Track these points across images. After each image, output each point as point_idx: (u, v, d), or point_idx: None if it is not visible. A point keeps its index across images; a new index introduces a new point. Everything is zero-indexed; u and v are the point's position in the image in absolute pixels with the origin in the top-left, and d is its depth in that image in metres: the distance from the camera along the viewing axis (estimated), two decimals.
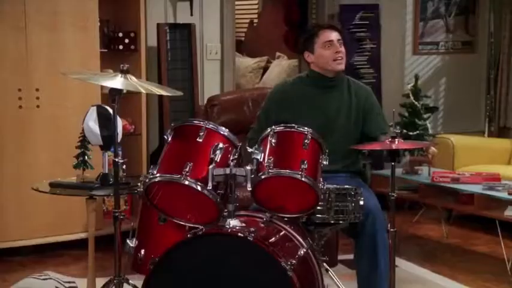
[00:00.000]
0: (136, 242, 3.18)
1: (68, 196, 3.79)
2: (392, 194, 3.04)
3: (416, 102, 5.85)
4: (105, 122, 3.55)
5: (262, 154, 2.89)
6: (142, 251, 3.18)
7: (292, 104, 3.62)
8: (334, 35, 3.59)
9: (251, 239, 2.68)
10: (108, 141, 3.56)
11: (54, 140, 4.71)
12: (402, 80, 6.29)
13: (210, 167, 2.75)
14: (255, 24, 8.71)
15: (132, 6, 5.04)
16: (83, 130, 3.64)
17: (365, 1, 6.26)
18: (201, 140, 2.82)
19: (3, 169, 4.61)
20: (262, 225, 2.99)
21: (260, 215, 3.05)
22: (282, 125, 3.02)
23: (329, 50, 3.57)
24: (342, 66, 3.61)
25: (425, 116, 5.90)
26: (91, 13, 4.79)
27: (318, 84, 3.64)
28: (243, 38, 8.70)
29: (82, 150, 3.70)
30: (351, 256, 3.58)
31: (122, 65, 3.02)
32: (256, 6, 8.86)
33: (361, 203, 3.13)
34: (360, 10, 6.17)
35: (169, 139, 2.90)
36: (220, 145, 2.83)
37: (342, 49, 3.59)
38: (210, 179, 2.74)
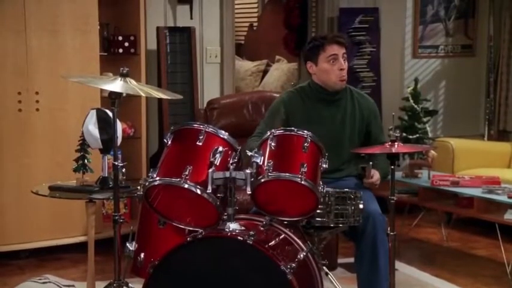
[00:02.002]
0: (136, 245, 3.18)
1: (68, 199, 3.80)
2: (392, 197, 3.04)
3: (415, 106, 5.85)
4: (105, 125, 3.56)
5: (262, 157, 2.89)
6: (142, 255, 3.18)
7: (296, 117, 3.61)
8: (340, 50, 3.55)
9: (250, 243, 2.68)
10: (107, 144, 3.56)
11: (53, 143, 4.71)
12: (402, 83, 6.29)
13: (210, 170, 2.75)
14: (254, 28, 8.71)
15: (131, 9, 5.05)
16: (82, 133, 3.65)
17: (365, 4, 6.27)
18: (200, 144, 2.83)
19: (2, 172, 4.60)
20: (261, 228, 2.98)
21: (260, 219, 3.05)
22: (282, 128, 3.02)
23: (333, 65, 3.54)
24: (344, 84, 3.60)
25: (424, 119, 5.90)
26: (91, 16, 4.80)
27: (321, 97, 3.64)
28: (242, 42, 8.71)
29: (82, 153, 3.70)
30: (350, 259, 3.58)
31: (121, 69, 3.03)
32: (256, 10, 8.86)
33: (361, 206, 3.13)
34: (359, 13, 6.18)
35: (169, 142, 2.90)
36: (220, 148, 2.83)
37: (346, 65, 3.57)
38: (209, 182, 2.74)
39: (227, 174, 2.79)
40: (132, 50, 5.04)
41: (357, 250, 3.41)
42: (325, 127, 3.53)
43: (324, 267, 3.19)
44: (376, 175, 3.48)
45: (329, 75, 3.56)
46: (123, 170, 3.07)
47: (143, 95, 3.20)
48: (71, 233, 4.79)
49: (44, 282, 4.14)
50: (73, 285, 4.17)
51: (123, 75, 3.01)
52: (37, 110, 4.67)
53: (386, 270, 3.20)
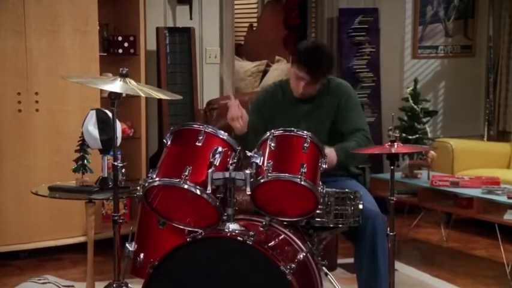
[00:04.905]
0: (136, 245, 3.18)
1: (67, 200, 3.80)
2: (392, 197, 3.04)
3: (415, 106, 5.85)
4: (105, 125, 3.56)
5: (262, 158, 2.89)
6: (142, 255, 3.18)
7: (272, 111, 3.60)
8: (298, 73, 3.48)
9: (250, 243, 2.68)
10: (107, 144, 3.56)
11: (53, 144, 4.71)
12: (401, 83, 6.29)
13: (209, 170, 2.75)
14: (254, 28, 8.71)
15: (131, 10, 5.05)
16: (82, 134, 3.65)
17: (364, 5, 6.27)
18: (200, 144, 2.83)
19: (2, 173, 4.60)
20: (261, 229, 2.98)
21: (259, 219, 3.05)
22: (281, 128, 3.01)
23: (292, 79, 3.55)
24: (297, 95, 3.56)
25: (424, 119, 5.89)
26: (90, 17, 4.80)
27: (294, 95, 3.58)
28: (242, 42, 8.70)
29: (81, 154, 3.70)
30: (350, 260, 3.58)
31: (121, 69, 3.03)
32: (255, 10, 8.86)
33: (360, 206, 3.12)
34: (359, 14, 6.18)
35: (169, 143, 2.90)
36: (220, 149, 2.83)
37: (298, 83, 3.50)
38: (209, 182, 2.74)
39: (227, 174, 2.79)
40: (132, 51, 5.04)
41: (356, 250, 3.40)
42: (300, 124, 3.39)
43: (324, 268, 3.18)
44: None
45: (291, 83, 3.56)
46: (123, 170, 3.07)
47: (143, 95, 3.20)
48: (70, 233, 4.79)
49: (43, 283, 4.14)
50: (72, 286, 4.17)
51: (123, 76, 3.01)
52: (37, 110, 4.67)
53: (386, 271, 3.20)
